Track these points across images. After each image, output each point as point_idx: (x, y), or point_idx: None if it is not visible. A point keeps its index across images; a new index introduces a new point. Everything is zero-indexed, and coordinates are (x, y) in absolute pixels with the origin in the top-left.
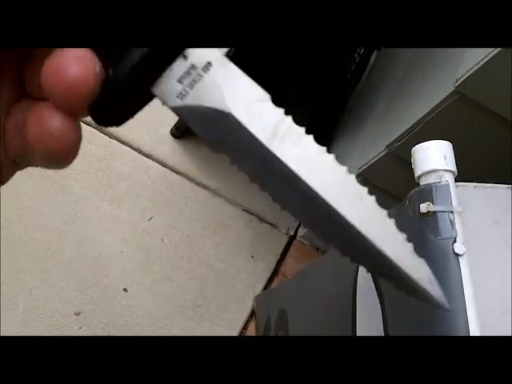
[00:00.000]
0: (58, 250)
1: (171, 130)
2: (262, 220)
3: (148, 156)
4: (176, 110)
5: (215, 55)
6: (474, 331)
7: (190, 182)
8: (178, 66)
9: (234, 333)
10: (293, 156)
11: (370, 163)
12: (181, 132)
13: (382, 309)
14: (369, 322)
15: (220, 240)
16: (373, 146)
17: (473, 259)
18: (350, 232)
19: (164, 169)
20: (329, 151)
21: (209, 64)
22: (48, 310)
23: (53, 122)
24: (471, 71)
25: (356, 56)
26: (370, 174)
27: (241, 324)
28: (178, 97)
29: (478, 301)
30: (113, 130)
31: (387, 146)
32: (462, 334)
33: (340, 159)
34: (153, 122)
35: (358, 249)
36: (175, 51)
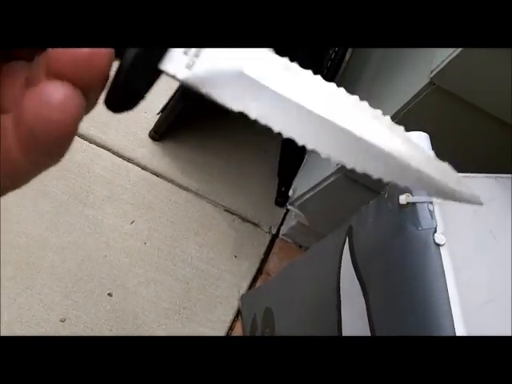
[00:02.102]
0: (41, 256)
1: (150, 132)
2: (244, 219)
3: (128, 159)
4: (187, 80)
5: None
6: (458, 321)
7: (170, 184)
8: None
9: (221, 333)
10: (305, 94)
11: None
12: (159, 134)
13: (365, 301)
14: (354, 316)
15: (203, 241)
16: (324, 167)
17: (454, 249)
18: (372, 151)
19: (144, 172)
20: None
21: None
22: (33, 318)
23: (55, 92)
24: (445, 62)
25: (331, 52)
26: (351, 170)
27: (227, 324)
28: (186, 67)
29: (462, 290)
30: (92, 134)
31: None
32: (445, 323)
33: (318, 157)
34: (131, 126)
35: (385, 167)
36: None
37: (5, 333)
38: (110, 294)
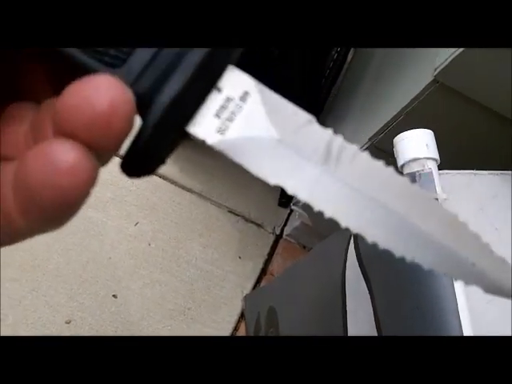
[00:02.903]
0: (46, 258)
1: None
2: (247, 220)
3: None
4: (217, 145)
5: (251, 83)
6: (464, 317)
7: (174, 185)
8: (213, 101)
9: (226, 333)
10: (351, 173)
11: None
12: None
13: (371, 299)
14: (359, 315)
15: (207, 242)
16: (354, 140)
17: None
18: (429, 242)
19: None
20: None
21: (246, 94)
22: (38, 320)
23: (64, 154)
24: (449, 59)
25: (334, 53)
26: None
27: (231, 325)
28: (218, 132)
29: (467, 288)
30: None
31: (369, 139)
32: (452, 319)
33: None
34: (135, 127)
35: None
36: (208, 86)
37: (10, 335)
38: (114, 296)
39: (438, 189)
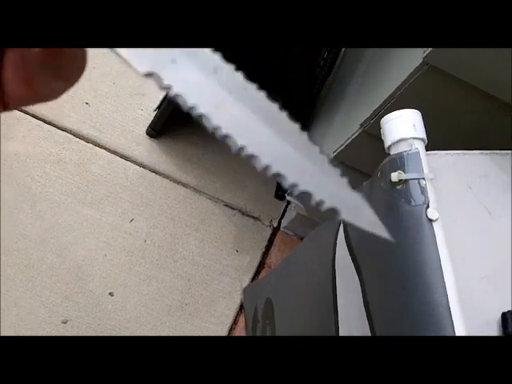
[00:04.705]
0: (40, 257)
1: (147, 129)
2: (244, 214)
3: (125, 157)
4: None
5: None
6: (452, 296)
7: (169, 180)
8: None
9: (225, 328)
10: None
11: (344, 144)
12: (157, 131)
13: (361, 284)
14: (349, 299)
15: (203, 236)
16: (347, 127)
17: (448, 225)
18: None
19: (142, 169)
20: None
21: None
22: (35, 320)
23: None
24: None
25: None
26: (346, 156)
27: (230, 319)
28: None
29: (456, 265)
30: (88, 133)
31: (361, 125)
32: (439, 299)
33: None
34: (128, 123)
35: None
36: None
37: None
38: (111, 294)
39: (425, 168)
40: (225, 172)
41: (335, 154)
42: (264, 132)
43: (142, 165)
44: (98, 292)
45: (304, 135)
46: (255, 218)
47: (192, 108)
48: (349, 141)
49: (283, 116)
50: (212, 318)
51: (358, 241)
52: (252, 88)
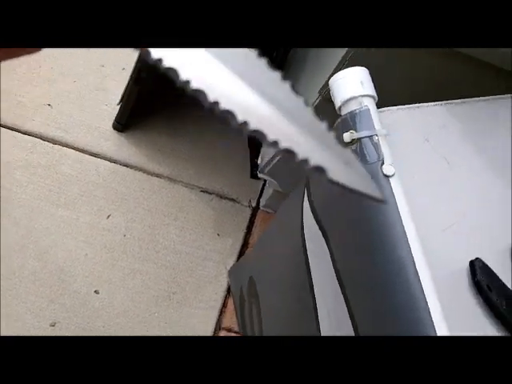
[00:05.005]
0: (21, 264)
1: (113, 124)
2: (222, 197)
3: (95, 155)
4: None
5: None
6: (416, 250)
7: (141, 173)
8: None
9: (215, 312)
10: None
11: None
12: (123, 124)
13: (328, 249)
14: (321, 268)
15: (183, 224)
16: (307, 96)
17: (407, 179)
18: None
19: (113, 164)
20: None
21: None
22: (23, 327)
23: None
24: None
25: None
26: None
27: (219, 302)
28: None
29: (418, 218)
30: (54, 135)
31: (319, 92)
32: (403, 254)
33: None
34: (93, 120)
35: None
36: None
37: None
38: (96, 292)
39: (377, 125)
40: (197, 158)
41: None
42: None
43: (112, 160)
44: (83, 291)
45: (286, 85)
46: (233, 200)
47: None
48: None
49: (262, 63)
50: (201, 303)
51: (322, 207)
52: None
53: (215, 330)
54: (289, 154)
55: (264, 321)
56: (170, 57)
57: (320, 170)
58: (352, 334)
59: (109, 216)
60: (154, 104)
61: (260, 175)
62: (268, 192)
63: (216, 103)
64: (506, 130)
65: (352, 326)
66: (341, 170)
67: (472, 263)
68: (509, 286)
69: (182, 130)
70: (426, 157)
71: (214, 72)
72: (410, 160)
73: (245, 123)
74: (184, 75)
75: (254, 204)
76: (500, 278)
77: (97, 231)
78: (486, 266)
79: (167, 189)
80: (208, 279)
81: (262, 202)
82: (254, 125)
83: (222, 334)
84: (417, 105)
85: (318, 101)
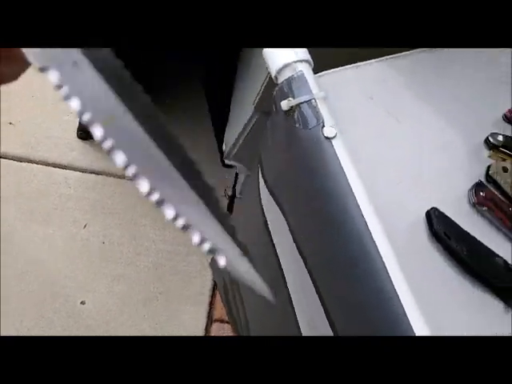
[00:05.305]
0: (3, 286)
1: (77, 133)
2: None
3: (63, 167)
4: None
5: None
6: (366, 208)
7: (112, 177)
8: None
9: (204, 306)
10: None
11: (260, 93)
12: (87, 132)
13: (286, 221)
14: (283, 241)
15: (161, 223)
16: (260, 77)
17: (350, 139)
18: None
19: (82, 174)
20: None
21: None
22: None
23: None
24: None
25: None
26: (263, 104)
27: (207, 296)
28: None
29: (369, 176)
30: (20, 153)
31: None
32: (354, 212)
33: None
34: (57, 133)
35: None
36: None
37: None
38: (82, 303)
39: (314, 89)
40: None
41: (255, 104)
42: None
43: (81, 169)
44: (70, 304)
45: (192, 162)
46: None
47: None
48: (263, 88)
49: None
50: (189, 299)
51: (274, 179)
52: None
53: (207, 323)
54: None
55: (247, 308)
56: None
57: (214, 254)
58: (317, 300)
59: (85, 226)
60: None
61: (227, 161)
62: (241, 178)
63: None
64: (448, 80)
65: (316, 294)
66: (232, 260)
67: (428, 213)
68: (469, 232)
69: None
70: (372, 114)
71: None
72: (355, 119)
73: (151, 191)
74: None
75: (230, 193)
76: (459, 224)
77: (75, 242)
78: (443, 214)
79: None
80: (193, 274)
81: (238, 189)
82: (157, 196)
83: (215, 326)
84: (356, 64)
85: (267, 79)
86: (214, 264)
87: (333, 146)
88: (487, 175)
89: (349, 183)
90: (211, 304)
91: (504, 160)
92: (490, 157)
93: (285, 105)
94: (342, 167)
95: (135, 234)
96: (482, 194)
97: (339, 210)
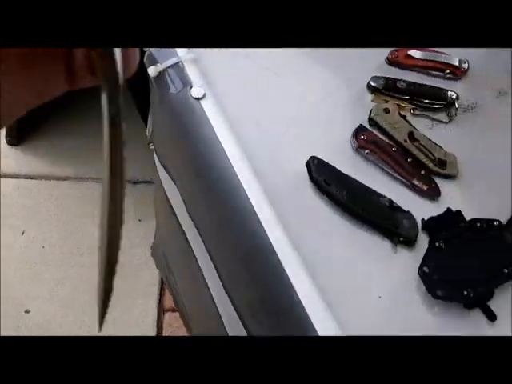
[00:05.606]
0: None
1: (6, 139)
2: (135, 182)
3: None
4: None
5: None
6: (238, 165)
7: (46, 180)
8: None
9: (154, 297)
10: None
11: None
12: (17, 138)
13: (181, 196)
14: (184, 218)
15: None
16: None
17: (222, 98)
18: None
19: (16, 180)
20: None
21: None
22: None
23: None
24: None
25: None
26: None
27: (156, 287)
28: None
29: (250, 132)
30: None
31: None
32: (227, 171)
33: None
34: None
35: None
36: None
37: None
38: (27, 311)
39: (181, 52)
40: (99, 151)
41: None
42: None
43: (14, 176)
44: (13, 314)
45: None
46: (147, 182)
47: None
48: None
49: None
50: (139, 292)
51: (163, 155)
52: None
53: (159, 314)
54: None
55: (182, 294)
56: None
57: None
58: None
59: (23, 232)
60: (42, 110)
61: (151, 146)
62: None
63: None
64: None
65: (212, 265)
66: None
67: (307, 163)
68: (351, 176)
69: (76, 127)
70: (249, 71)
71: None
72: (231, 78)
73: None
74: None
75: None
76: (343, 171)
77: (14, 250)
78: (323, 162)
79: (77, 189)
80: (139, 267)
81: None
82: None
83: (167, 316)
84: None
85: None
86: (154, 253)
87: (202, 106)
88: (369, 118)
89: (220, 143)
90: (160, 295)
91: (387, 102)
92: (373, 101)
93: (152, 71)
94: (213, 128)
95: (76, 235)
96: (362, 137)
97: (215, 170)
